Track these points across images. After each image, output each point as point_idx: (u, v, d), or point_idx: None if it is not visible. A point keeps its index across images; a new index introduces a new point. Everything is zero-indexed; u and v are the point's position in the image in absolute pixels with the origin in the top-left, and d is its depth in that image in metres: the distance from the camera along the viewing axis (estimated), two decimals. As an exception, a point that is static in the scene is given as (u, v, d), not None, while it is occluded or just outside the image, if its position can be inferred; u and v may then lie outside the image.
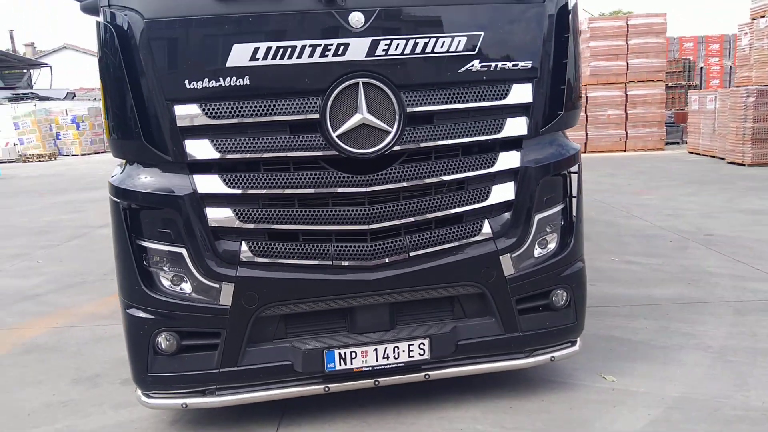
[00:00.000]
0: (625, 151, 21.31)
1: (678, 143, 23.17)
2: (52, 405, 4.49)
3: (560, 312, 4.05)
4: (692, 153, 19.59)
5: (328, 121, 3.51)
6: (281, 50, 3.44)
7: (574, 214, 4.14)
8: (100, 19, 3.49)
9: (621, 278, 6.76)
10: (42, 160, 32.62)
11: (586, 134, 21.49)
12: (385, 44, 3.51)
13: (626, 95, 21.25)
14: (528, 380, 4.39)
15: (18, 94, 40.32)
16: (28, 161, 32.24)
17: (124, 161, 3.75)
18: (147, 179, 3.60)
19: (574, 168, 4.08)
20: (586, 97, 21.27)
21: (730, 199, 11.39)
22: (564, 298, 4.04)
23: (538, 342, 4.03)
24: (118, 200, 3.63)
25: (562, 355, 4.13)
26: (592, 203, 11.52)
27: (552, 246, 4.03)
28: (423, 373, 3.90)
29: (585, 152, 21.27)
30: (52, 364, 5.25)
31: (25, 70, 47.60)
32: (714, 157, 17.82)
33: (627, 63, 21.15)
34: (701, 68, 31.23)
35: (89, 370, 5.06)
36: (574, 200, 4.18)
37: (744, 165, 15.95)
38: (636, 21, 21.34)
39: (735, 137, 16.39)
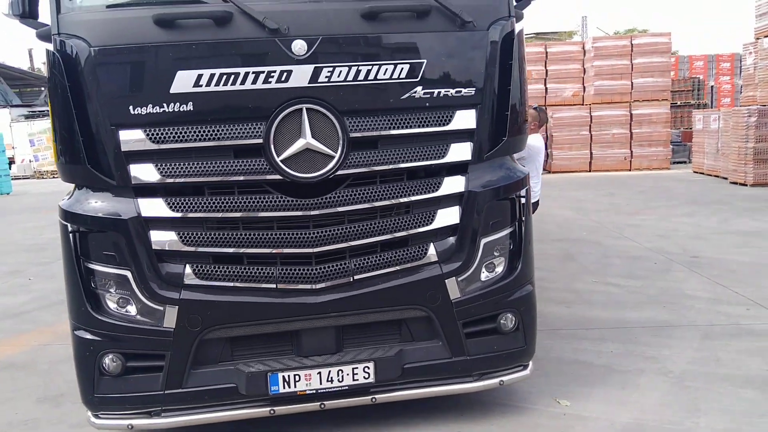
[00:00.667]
0: (630, 170, 21.23)
1: (685, 162, 23.06)
2: (12, 424, 4.55)
3: (509, 336, 4.06)
4: (697, 173, 19.49)
5: (272, 146, 3.56)
6: (225, 77, 3.51)
7: (522, 237, 4.13)
8: (50, 46, 3.58)
9: (597, 300, 6.73)
10: (56, 176, 33.01)
11: (591, 153, 21.46)
12: (328, 71, 3.57)
13: (631, 114, 21.21)
14: (481, 403, 4.39)
15: (35, 111, 40.91)
16: (43, 177, 32.69)
17: (73, 185, 3.82)
18: (94, 203, 3.66)
19: (523, 192, 4.08)
20: (591, 116, 21.27)
21: (724, 219, 11.32)
22: (512, 322, 4.05)
23: (486, 366, 4.04)
24: (67, 223, 3.70)
25: (512, 379, 4.12)
26: (585, 223, 11.51)
27: (500, 270, 4.04)
28: (370, 397, 3.91)
29: (590, 171, 21.29)
30: (22, 382, 5.33)
31: (42, 88, 48.34)
32: (718, 177, 17.72)
33: (632, 82, 21.13)
34: (712, 87, 31.09)
35: (55, 389, 5.12)
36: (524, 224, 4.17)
37: (746, 185, 15.84)
38: (640, 40, 21.36)
39: (737, 157, 16.29)
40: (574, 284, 7.40)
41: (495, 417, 4.22)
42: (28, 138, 36.56)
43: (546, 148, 7.00)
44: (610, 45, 21.43)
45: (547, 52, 22.22)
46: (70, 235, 3.70)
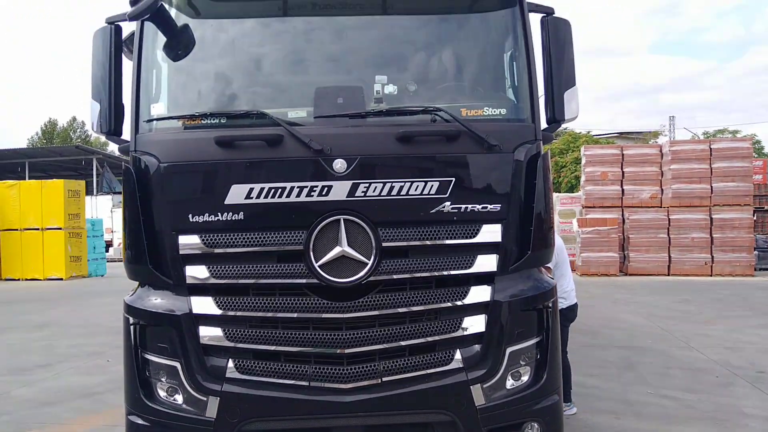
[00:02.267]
0: (711, 275, 20.60)
1: (772, 269, 22.20)
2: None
3: (533, 445, 4.15)
4: (783, 281, 18.72)
5: (312, 253, 3.94)
6: (273, 190, 3.95)
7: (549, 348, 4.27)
8: (128, 159, 4.15)
9: (648, 413, 6.63)
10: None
11: (669, 257, 21.02)
12: (364, 187, 3.95)
13: (711, 218, 20.77)
14: None
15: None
16: (134, 262, 34.35)
17: (137, 283, 4.29)
18: (153, 300, 4.11)
19: (550, 303, 4.27)
20: (669, 219, 20.96)
21: (802, 333, 10.86)
22: None
23: (509, 474, 4.13)
24: (129, 317, 4.15)
25: (536, 489, 4.18)
26: (653, 331, 11.28)
27: (525, 378, 4.18)
28: None
29: (668, 275, 20.77)
30: (85, 460, 5.72)
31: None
32: (805, 286, 16.96)
33: (711, 186, 20.81)
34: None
35: (114, 468, 5.47)
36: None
37: (834, 297, 15.10)
38: (720, 145, 21.20)
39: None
40: (628, 395, 7.30)
41: None
42: (126, 223, 38.88)
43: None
44: (688, 149, 21.32)
45: (623, 154, 22.29)
46: (131, 327, 4.14)
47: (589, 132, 51.10)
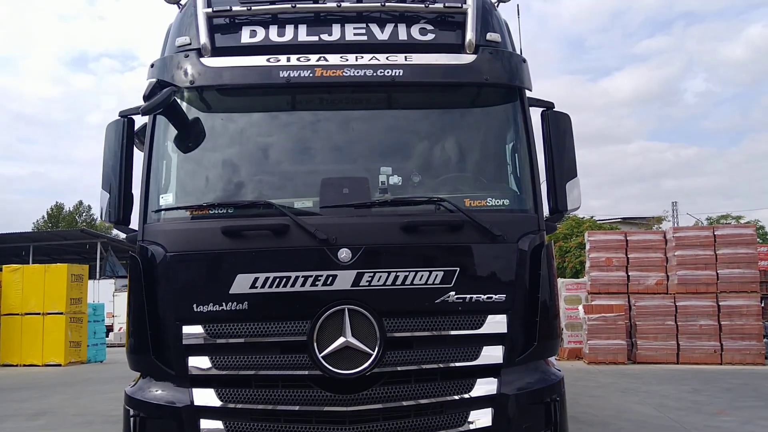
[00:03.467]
0: (721, 363, 20.18)
1: (783, 358, 21.77)
2: None
3: None
4: (795, 370, 18.34)
5: (315, 344, 3.92)
6: (278, 280, 3.97)
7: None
8: (135, 249, 4.19)
9: None
10: (147, 347, 34.22)
11: (678, 345, 20.66)
12: (369, 276, 3.98)
13: (718, 305, 20.54)
14: None
15: (137, 283, 43.54)
16: (135, 348, 33.93)
17: (139, 374, 4.25)
18: (154, 392, 4.07)
19: (557, 396, 4.20)
20: (675, 306, 20.74)
21: (817, 425, 10.55)
22: None
23: None
24: (129, 408, 4.09)
25: None
26: (662, 422, 10.98)
27: (536, 473, 4.08)
28: None
29: (677, 364, 20.37)
30: None
31: (146, 262, 51.61)
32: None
33: (717, 273, 20.69)
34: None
35: None
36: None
37: None
38: (723, 231, 21.19)
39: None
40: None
41: None
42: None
43: None
44: (691, 235, 21.32)
45: (627, 240, 22.28)
46: (131, 419, 4.07)
47: (592, 217, 51.43)
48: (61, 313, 23.58)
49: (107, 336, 29.92)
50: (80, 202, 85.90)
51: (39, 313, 23.62)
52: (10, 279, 23.97)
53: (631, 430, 10.47)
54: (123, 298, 39.67)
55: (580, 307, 22.32)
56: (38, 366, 23.14)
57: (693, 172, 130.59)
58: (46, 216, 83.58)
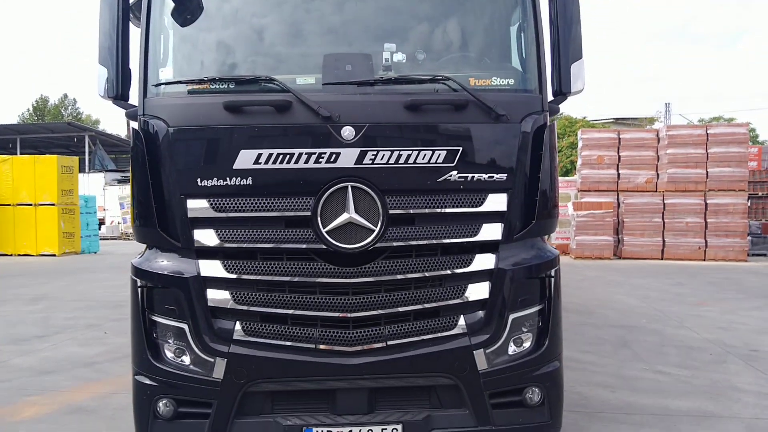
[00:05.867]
0: (704, 260, 20.76)
1: (765, 255, 22.38)
2: (74, 460, 4.97)
3: (534, 410, 4.23)
4: (775, 266, 18.88)
5: (319, 219, 3.97)
6: (281, 156, 3.97)
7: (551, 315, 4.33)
8: (136, 125, 4.16)
9: (643, 387, 6.72)
10: (140, 239, 34.72)
11: (663, 241, 21.16)
12: (372, 154, 3.98)
13: (706, 204, 20.89)
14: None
15: (127, 176, 43.56)
16: (129, 239, 34.42)
17: (145, 246, 4.32)
18: (161, 262, 4.14)
19: (552, 272, 4.32)
20: (664, 203, 21.06)
21: (795, 315, 10.99)
22: (538, 396, 4.22)
23: (510, 437, 4.20)
24: (137, 279, 4.18)
25: (536, 452, 4.26)
26: (647, 312, 11.39)
27: (527, 345, 4.25)
28: None
29: (662, 259, 20.94)
30: (87, 425, 5.79)
31: (136, 156, 51.31)
32: (796, 271, 17.13)
33: (707, 171, 20.91)
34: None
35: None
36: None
37: (825, 281, 15.26)
38: (716, 130, 21.26)
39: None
40: (623, 370, 7.40)
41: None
42: (118, 201, 38.91)
43: None
44: (684, 134, 21.37)
45: (620, 139, 22.34)
46: (139, 289, 4.18)
47: (585, 117, 51.16)
48: (53, 204, 23.71)
49: (99, 228, 30.16)
50: (65, 95, 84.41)
51: (31, 204, 23.73)
52: (-1, 169, 23.91)
53: (615, 317, 10.87)
54: (113, 191, 39.76)
55: (569, 204, 22.61)
56: (33, 256, 23.49)
57: (688, 75, 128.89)
58: (31, 109, 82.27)
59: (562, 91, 4.43)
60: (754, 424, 5.60)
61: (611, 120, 54.76)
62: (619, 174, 22.10)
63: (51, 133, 46.68)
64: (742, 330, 9.71)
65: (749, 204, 22.11)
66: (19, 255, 23.63)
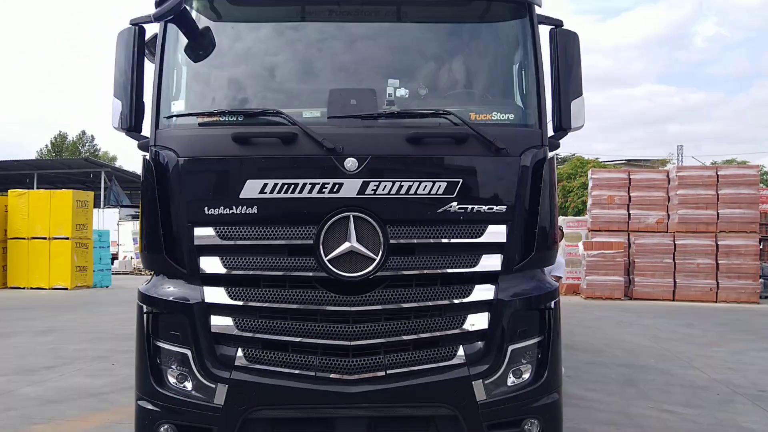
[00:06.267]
0: (716, 302, 20.57)
1: (777, 298, 22.15)
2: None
3: (532, 442, 4.23)
4: (788, 309, 18.69)
5: (321, 247, 4.06)
6: (286, 186, 4.09)
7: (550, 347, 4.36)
8: (147, 154, 4.30)
9: (647, 425, 6.68)
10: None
11: (675, 282, 21.03)
12: (374, 185, 4.09)
13: (717, 245, 20.80)
14: None
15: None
16: (140, 274, 34.55)
17: (152, 273, 4.42)
18: (167, 289, 4.24)
19: (552, 304, 4.37)
20: (675, 244, 20.99)
21: (805, 357, 10.87)
22: (537, 429, 4.23)
23: (509, 469, 4.21)
24: (143, 305, 4.28)
25: (535, 486, 4.25)
26: (656, 351, 11.31)
27: (526, 376, 4.28)
28: None
29: (673, 300, 20.77)
30: (90, 453, 5.81)
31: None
32: (809, 314, 16.94)
33: (717, 212, 20.87)
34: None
35: (119, 461, 5.56)
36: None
37: (838, 324, 15.09)
38: (726, 171, 21.31)
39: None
40: (629, 408, 7.35)
41: None
42: (132, 236, 39.23)
43: None
44: (695, 174, 21.41)
45: (630, 179, 22.39)
46: (144, 315, 4.26)
47: (597, 159, 51.31)
48: (67, 238, 23.92)
49: (112, 263, 30.36)
50: (83, 132, 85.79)
51: (45, 238, 23.96)
52: (15, 203, 24.24)
53: (623, 357, 10.80)
54: (127, 227, 40.12)
55: (580, 244, 22.59)
56: (45, 289, 23.63)
57: (699, 118, 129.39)
58: (49, 145, 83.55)
59: (563, 127, 4.54)
60: (759, 462, 5.54)
61: (623, 161, 54.89)
62: (629, 214, 22.09)
63: (68, 169, 47.40)
64: (751, 370, 9.62)
65: (761, 246, 21.96)
66: (32, 288, 23.79)
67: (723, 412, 7.19)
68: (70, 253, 23.94)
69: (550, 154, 4.45)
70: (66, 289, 23.77)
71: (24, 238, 24.08)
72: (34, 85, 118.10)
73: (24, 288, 23.81)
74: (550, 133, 4.59)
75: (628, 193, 22.17)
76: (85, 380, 8.84)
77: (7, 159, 39.67)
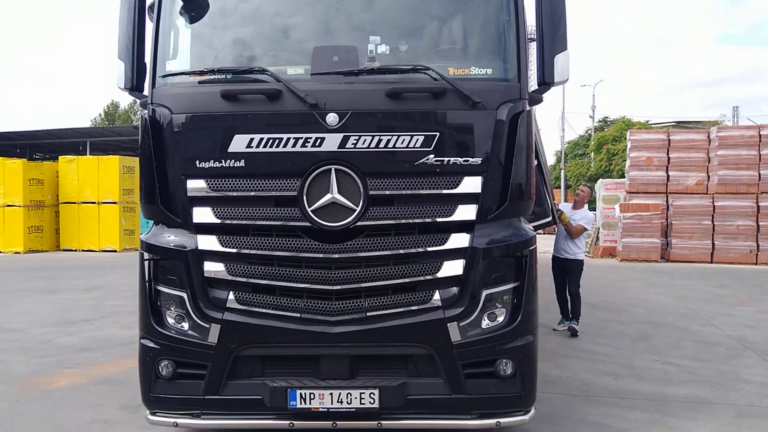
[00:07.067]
0: (756, 264, 20.22)
1: (823, 259, 21.60)
2: (95, 422, 5.48)
3: (507, 381, 4.46)
4: (830, 271, 18.27)
5: (305, 199, 4.33)
6: (271, 140, 4.35)
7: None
8: (144, 111, 4.61)
9: (648, 376, 6.84)
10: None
11: (713, 244, 20.72)
12: (355, 139, 4.31)
13: (758, 206, 20.36)
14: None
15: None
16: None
17: (152, 222, 4.76)
18: (165, 237, 4.57)
19: (526, 251, 4.55)
20: (714, 206, 20.63)
21: (831, 316, 10.75)
22: (510, 368, 4.45)
23: (484, 406, 4.46)
24: (143, 252, 4.63)
25: (509, 422, 4.51)
26: (678, 310, 11.32)
27: (501, 319, 4.49)
28: (376, 421, 4.44)
29: (711, 262, 20.49)
30: (114, 393, 6.30)
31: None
32: None
33: (759, 173, 20.39)
34: None
35: (137, 401, 5.99)
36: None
37: None
38: (769, 131, 20.67)
39: None
40: (633, 361, 7.51)
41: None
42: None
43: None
44: (736, 135, 20.91)
45: (670, 140, 21.99)
46: (145, 262, 4.62)
47: (648, 121, 50.08)
48: (115, 203, 24.79)
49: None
50: (134, 101, 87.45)
51: (94, 202, 24.88)
52: (66, 169, 25.19)
53: (643, 315, 10.87)
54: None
55: (617, 206, 22.38)
56: (95, 251, 24.62)
57: (758, 78, 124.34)
58: (102, 114, 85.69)
59: (546, 81, 4.66)
60: (746, 410, 5.67)
61: (672, 123, 53.46)
62: (668, 176, 21.74)
63: (119, 137, 48.51)
64: (769, 328, 9.61)
65: (806, 207, 21.37)
66: (83, 251, 24.82)
67: (727, 365, 7.28)
68: (118, 216, 24.83)
69: (528, 108, 4.59)
70: (115, 251, 24.72)
71: (74, 203, 25.03)
72: (92, 52, 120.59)
73: (75, 250, 24.85)
74: (534, 87, 4.73)
75: (668, 154, 21.79)
76: (119, 331, 9.40)
77: (61, 127, 40.82)
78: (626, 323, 10.03)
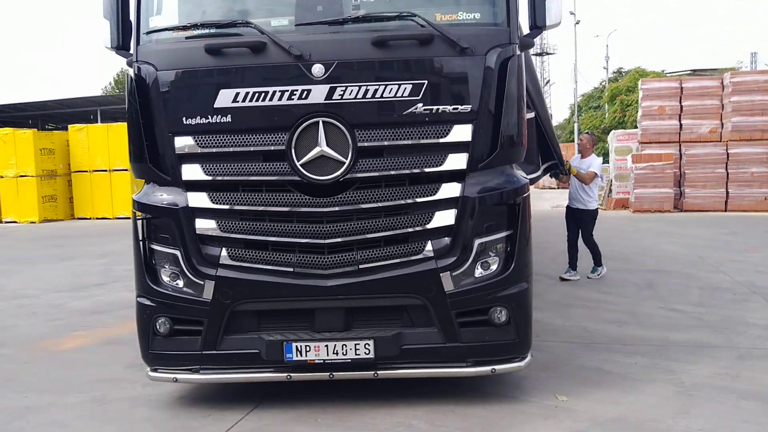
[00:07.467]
0: (770, 211, 19.97)
1: (838, 205, 21.30)
2: (100, 380, 5.57)
3: (501, 328, 4.47)
4: None
5: (293, 152, 4.30)
6: (257, 94, 4.30)
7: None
8: (130, 70, 4.57)
9: (651, 323, 6.82)
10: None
11: (727, 192, 20.46)
12: (341, 90, 4.26)
13: (773, 152, 20.02)
14: (482, 393, 4.79)
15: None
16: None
17: (143, 181, 4.76)
18: (157, 196, 4.58)
19: (519, 199, 4.50)
20: (727, 153, 20.33)
21: (843, 260, 10.64)
22: (504, 316, 4.46)
23: (479, 354, 4.48)
24: (136, 211, 4.64)
25: (504, 369, 4.53)
26: (687, 258, 11.24)
27: (494, 268, 4.48)
28: (372, 372, 4.48)
29: (725, 211, 20.28)
30: (119, 353, 6.39)
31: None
32: None
33: (773, 118, 20.00)
34: None
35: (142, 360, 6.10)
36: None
37: None
38: (784, 75, 20.21)
39: None
40: (637, 308, 7.49)
41: (491, 404, 4.62)
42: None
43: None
44: (749, 80, 20.47)
45: (682, 88, 21.57)
46: (138, 221, 4.63)
47: (663, 71, 49.16)
48: (126, 170, 24.83)
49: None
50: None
51: (105, 170, 24.99)
52: (76, 138, 25.27)
53: (651, 263, 10.82)
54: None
55: (629, 157, 22.12)
56: (109, 219, 24.82)
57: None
58: (113, 82, 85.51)
59: (537, 25, 4.56)
60: (748, 353, 5.65)
61: (689, 72, 52.47)
62: (681, 124, 21.38)
63: (128, 104, 48.58)
64: (779, 273, 9.53)
65: (822, 152, 21.00)
66: (97, 218, 25.03)
67: (731, 310, 7.24)
68: (130, 183, 24.93)
69: (519, 53, 4.50)
70: (128, 218, 24.84)
71: (86, 171, 25.16)
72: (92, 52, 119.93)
73: (90, 218, 25.08)
74: (526, 31, 4.63)
75: (680, 102, 21.39)
76: (129, 295, 9.35)
77: (71, 97, 40.82)
78: (634, 272, 9.98)
